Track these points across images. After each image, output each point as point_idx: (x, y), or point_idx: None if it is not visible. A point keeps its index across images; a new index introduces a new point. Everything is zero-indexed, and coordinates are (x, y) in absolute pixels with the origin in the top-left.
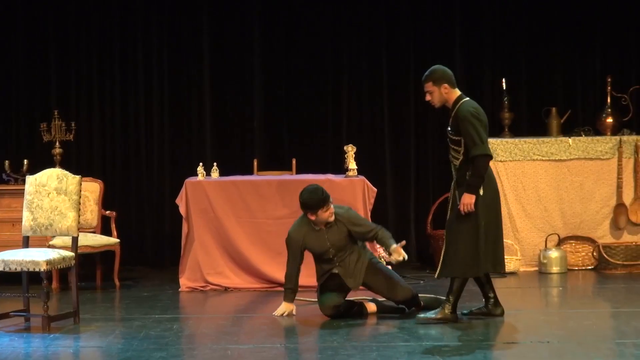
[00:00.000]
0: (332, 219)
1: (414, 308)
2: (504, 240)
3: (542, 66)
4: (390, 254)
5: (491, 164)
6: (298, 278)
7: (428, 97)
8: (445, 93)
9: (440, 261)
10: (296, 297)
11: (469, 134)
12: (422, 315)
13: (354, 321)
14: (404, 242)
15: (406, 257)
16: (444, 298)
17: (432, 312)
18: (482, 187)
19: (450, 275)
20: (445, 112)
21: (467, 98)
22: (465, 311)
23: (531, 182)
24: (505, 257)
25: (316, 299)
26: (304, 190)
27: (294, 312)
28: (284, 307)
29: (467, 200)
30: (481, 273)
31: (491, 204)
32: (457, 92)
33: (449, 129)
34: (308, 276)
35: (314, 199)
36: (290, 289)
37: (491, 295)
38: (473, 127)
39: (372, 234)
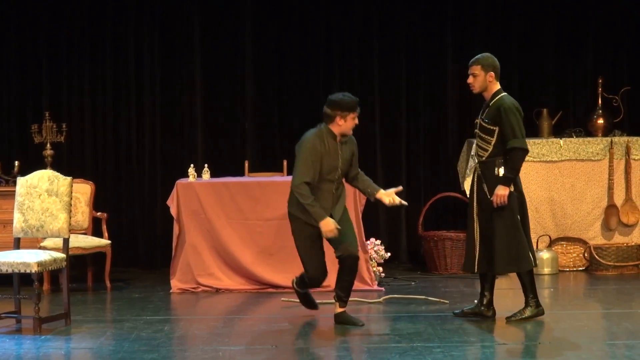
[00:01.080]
0: (350, 132)
1: (341, 297)
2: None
3: (533, 67)
4: (374, 199)
5: None
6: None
7: (470, 80)
8: (489, 81)
9: (479, 256)
10: (288, 299)
11: (511, 125)
12: (512, 318)
13: (345, 323)
14: (400, 188)
15: (404, 203)
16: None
17: (519, 312)
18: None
19: (509, 271)
20: (436, 111)
21: (506, 93)
22: (456, 311)
23: (522, 183)
24: None
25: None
26: (333, 95)
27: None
28: (328, 223)
29: (502, 192)
30: (529, 267)
31: (520, 198)
32: (498, 85)
33: (484, 118)
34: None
35: (351, 99)
36: (313, 205)
37: (487, 295)
38: (516, 119)
39: (357, 170)
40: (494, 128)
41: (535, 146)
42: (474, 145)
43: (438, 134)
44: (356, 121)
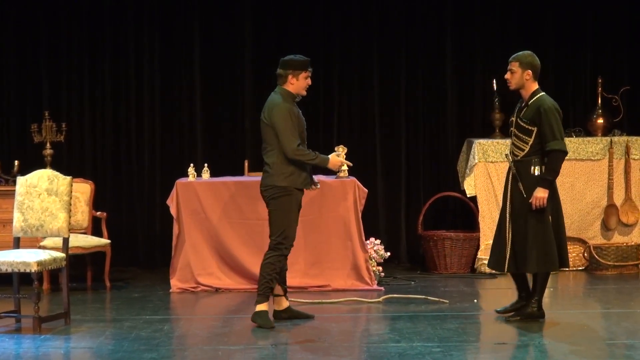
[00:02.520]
0: (304, 92)
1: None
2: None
3: None
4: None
5: (482, 164)
6: None
7: (508, 76)
8: (526, 79)
9: (509, 255)
10: (291, 298)
11: (551, 126)
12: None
13: (344, 322)
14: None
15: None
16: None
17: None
18: None
19: (540, 270)
20: (436, 111)
21: (545, 93)
22: (498, 309)
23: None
24: None
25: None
26: (285, 57)
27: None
28: (335, 160)
29: (541, 195)
30: (555, 268)
31: (554, 198)
32: (537, 85)
33: (522, 117)
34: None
35: (303, 58)
36: (316, 156)
37: (524, 292)
38: (555, 121)
39: None
40: (532, 128)
41: None
42: (509, 144)
43: (438, 133)
44: (309, 81)
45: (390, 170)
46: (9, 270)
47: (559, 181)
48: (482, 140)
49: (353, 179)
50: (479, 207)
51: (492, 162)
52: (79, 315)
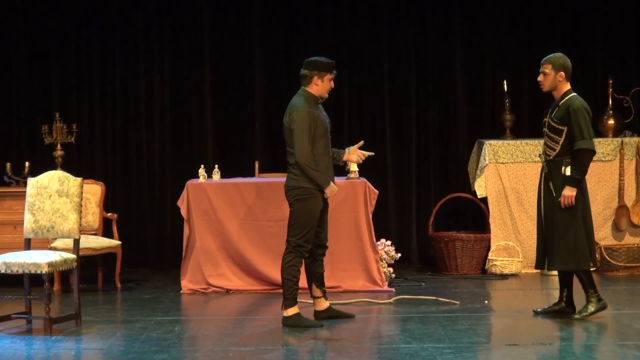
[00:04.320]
0: (326, 94)
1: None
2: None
3: None
4: (342, 162)
5: (493, 165)
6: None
7: (541, 78)
8: (559, 81)
9: (536, 254)
10: (301, 299)
11: (579, 125)
12: (577, 315)
13: (355, 323)
14: (362, 143)
15: (371, 153)
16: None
17: (583, 309)
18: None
19: (568, 268)
20: (446, 112)
21: (576, 94)
22: (538, 309)
23: (533, 184)
24: (507, 259)
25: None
26: (310, 58)
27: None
28: (333, 188)
29: (569, 193)
30: (587, 266)
31: (583, 197)
32: (569, 86)
33: (553, 117)
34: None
35: (328, 61)
36: (319, 174)
37: (565, 292)
38: (584, 120)
39: None
40: (563, 128)
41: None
42: (542, 145)
43: (448, 134)
44: (332, 84)
45: (400, 171)
46: (20, 271)
47: None
48: (492, 142)
49: (363, 179)
50: (490, 208)
51: (502, 163)
52: (90, 317)
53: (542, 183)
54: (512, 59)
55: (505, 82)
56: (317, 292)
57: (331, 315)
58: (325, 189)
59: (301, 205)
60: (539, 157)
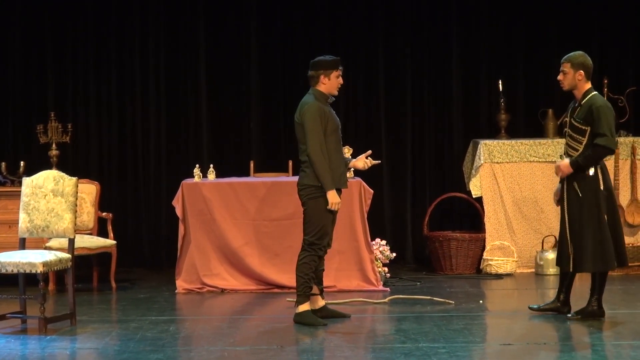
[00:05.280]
0: (336, 92)
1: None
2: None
3: (539, 67)
4: (349, 169)
5: (488, 165)
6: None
7: (560, 77)
8: (578, 80)
9: (558, 254)
10: (293, 300)
11: (601, 124)
12: (572, 315)
13: (350, 323)
14: (369, 152)
15: (378, 162)
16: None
17: (580, 311)
18: (601, 179)
19: (595, 270)
20: (441, 111)
21: (597, 92)
22: (533, 306)
23: (528, 183)
24: (502, 258)
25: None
26: (315, 58)
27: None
28: (335, 195)
29: (564, 168)
30: (612, 267)
31: (609, 197)
32: (589, 85)
33: (575, 117)
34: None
35: (333, 58)
36: (325, 174)
37: (564, 292)
38: (606, 118)
39: None
40: (586, 128)
41: (541, 146)
42: (564, 145)
43: (443, 134)
44: (341, 80)
45: (396, 171)
46: (15, 271)
47: None
48: (487, 141)
49: (359, 179)
50: (485, 207)
51: (497, 162)
52: (85, 316)
53: (566, 184)
54: (508, 59)
55: (500, 82)
56: (315, 289)
57: (326, 315)
58: (327, 192)
59: (313, 204)
60: (560, 157)
